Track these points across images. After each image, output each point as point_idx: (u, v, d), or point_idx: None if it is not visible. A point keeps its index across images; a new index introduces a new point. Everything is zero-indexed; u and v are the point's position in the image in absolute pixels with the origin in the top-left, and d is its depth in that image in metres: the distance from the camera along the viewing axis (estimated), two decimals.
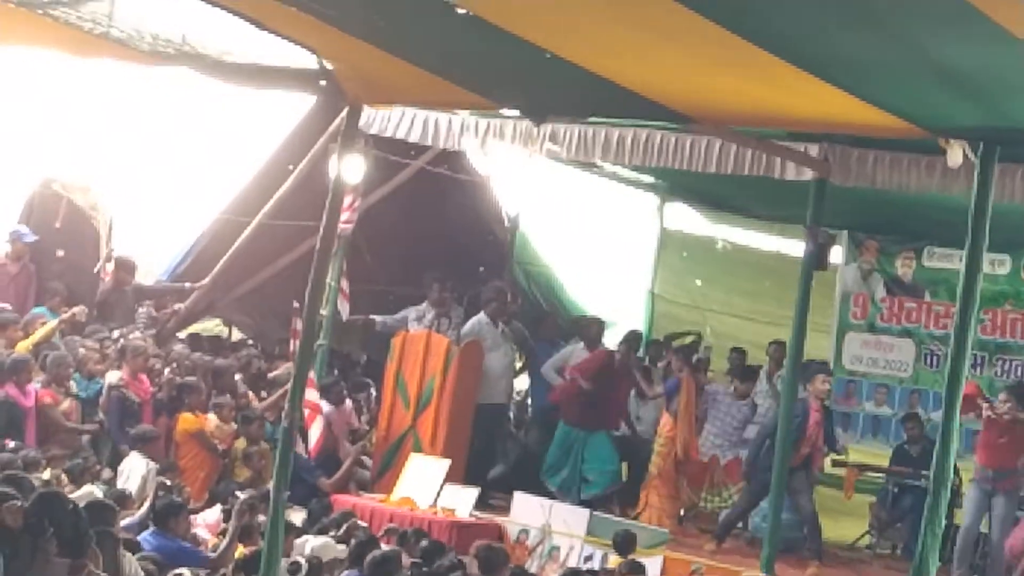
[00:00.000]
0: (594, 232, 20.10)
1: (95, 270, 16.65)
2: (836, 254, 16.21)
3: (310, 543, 11.22)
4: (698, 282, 19.59)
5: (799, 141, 12.69)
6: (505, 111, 12.88)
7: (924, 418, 16.02)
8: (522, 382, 17.83)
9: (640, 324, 18.91)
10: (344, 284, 15.83)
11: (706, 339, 17.58)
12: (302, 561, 10.35)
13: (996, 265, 16.11)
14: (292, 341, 14.77)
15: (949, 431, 8.70)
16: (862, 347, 17.29)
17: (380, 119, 14.37)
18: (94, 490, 12.01)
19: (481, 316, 15.90)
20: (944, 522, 8.70)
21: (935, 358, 16.65)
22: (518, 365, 17.26)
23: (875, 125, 9.43)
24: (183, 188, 20.63)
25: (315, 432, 14.62)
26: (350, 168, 11.08)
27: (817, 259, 13.00)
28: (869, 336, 17.23)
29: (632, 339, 16.04)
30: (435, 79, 9.75)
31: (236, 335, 19.46)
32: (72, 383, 14.33)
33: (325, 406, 15.14)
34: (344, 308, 15.87)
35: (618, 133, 13.44)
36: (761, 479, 13.64)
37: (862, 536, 15.73)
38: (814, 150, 12.75)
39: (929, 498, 8.58)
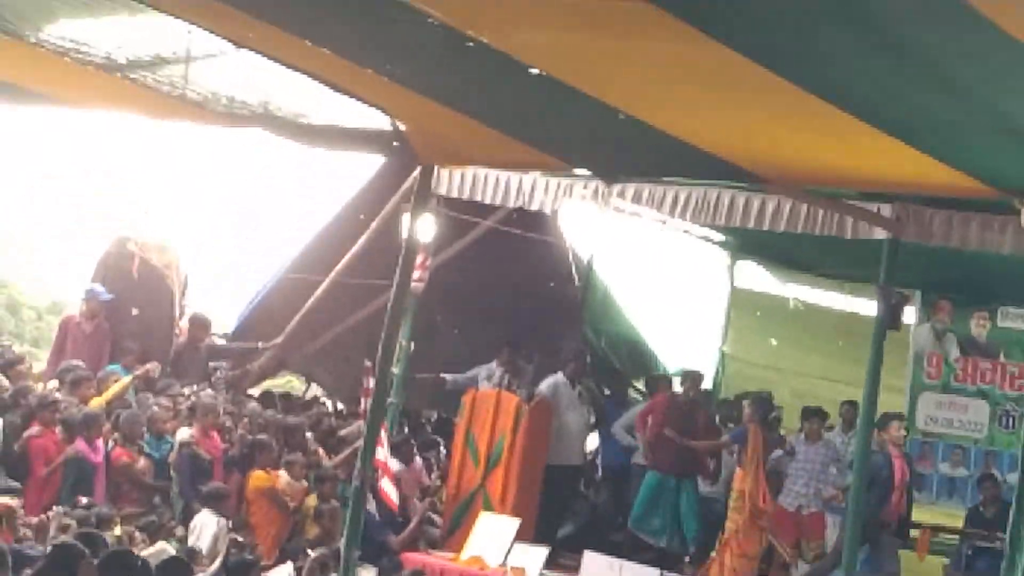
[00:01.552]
0: (664, 290, 20.07)
1: (170, 328, 16.81)
2: (909, 314, 16.10)
3: None
4: (773, 341, 19.49)
5: (872, 201, 12.63)
6: (577, 171, 12.89)
7: (1000, 479, 15.83)
8: (592, 441, 17.76)
9: (710, 383, 18.83)
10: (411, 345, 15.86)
11: (778, 400, 17.43)
12: None
13: None
14: (363, 399, 14.80)
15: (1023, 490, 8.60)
16: (937, 408, 17.13)
17: (452, 178, 14.42)
18: (167, 547, 12.07)
19: (559, 376, 15.87)
20: None
21: (1010, 419, 16.48)
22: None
23: (948, 185, 9.40)
24: (256, 247, 20.81)
25: (389, 487, 14.59)
26: (422, 227, 11.15)
27: (890, 319, 12.89)
28: (943, 396, 17.08)
29: (692, 376, 15.95)
30: (507, 139, 9.81)
31: (310, 392, 19.54)
32: (143, 442, 14.44)
33: (395, 464, 15.15)
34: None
35: (688, 192, 13.41)
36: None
37: None
38: (887, 210, 12.66)
39: (1005, 561, 8.47)
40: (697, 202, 13.48)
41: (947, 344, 17.13)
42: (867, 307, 16.02)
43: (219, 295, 19.29)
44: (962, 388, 17.01)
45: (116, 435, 14.27)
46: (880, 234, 12.86)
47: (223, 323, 18.32)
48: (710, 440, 15.64)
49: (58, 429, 13.75)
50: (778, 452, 15.58)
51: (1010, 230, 11.69)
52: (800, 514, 15.29)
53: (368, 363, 13.54)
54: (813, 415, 15.68)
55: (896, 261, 12.95)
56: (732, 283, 19.43)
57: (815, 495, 15.37)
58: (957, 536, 15.72)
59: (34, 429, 13.71)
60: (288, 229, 20.18)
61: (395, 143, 10.49)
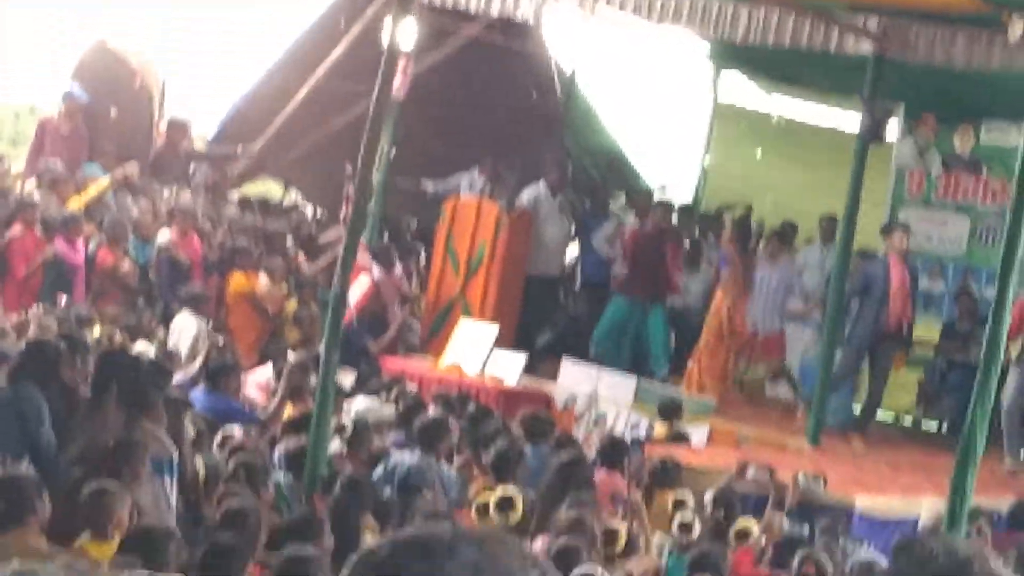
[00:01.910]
0: (647, 103, 19.95)
1: (149, 130, 16.70)
2: (893, 130, 16.03)
3: (357, 405, 11.31)
4: (758, 153, 19.43)
5: (858, 13, 12.51)
6: None
7: (976, 295, 15.90)
8: (572, 252, 17.79)
9: (691, 198, 18.83)
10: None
11: (759, 214, 17.43)
12: (348, 422, 10.42)
13: None
14: (344, 206, 14.78)
15: (1002, 309, 8.59)
16: (916, 223, 17.13)
17: None
18: (147, 347, 12.13)
19: (540, 186, 15.82)
20: (993, 400, 8.62)
21: (990, 234, 16.48)
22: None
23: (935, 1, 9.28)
24: (234, 52, 20.56)
25: (356, 291, 14.44)
26: (403, 34, 10.98)
27: (873, 132, 12.91)
28: (924, 211, 17.07)
29: (662, 205, 15.91)
30: None
31: (288, 198, 19.50)
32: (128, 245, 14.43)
33: (376, 271, 15.18)
34: None
35: (675, 0, 13.29)
36: (855, 345, 13.66)
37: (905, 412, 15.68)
38: (873, 23, 12.57)
39: (980, 375, 8.49)
40: (683, 11, 13.36)
41: (930, 160, 17.06)
42: (851, 122, 15.96)
43: (198, 101, 19.05)
44: (943, 203, 16.99)
45: (101, 237, 14.24)
46: (866, 48, 12.79)
47: (202, 130, 18.17)
48: (678, 268, 15.68)
49: (38, 230, 13.73)
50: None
51: (997, 45, 11.61)
52: (755, 335, 15.38)
53: (350, 169, 13.48)
54: (776, 234, 15.68)
55: (881, 76, 12.91)
56: (715, 96, 19.30)
57: (772, 316, 15.41)
58: (932, 350, 15.87)
59: (14, 229, 13.68)
60: (269, 35, 19.88)
61: None
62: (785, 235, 15.80)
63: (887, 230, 14.15)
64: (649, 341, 15.28)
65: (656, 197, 16.84)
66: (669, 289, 15.53)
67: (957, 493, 8.00)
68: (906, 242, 14.28)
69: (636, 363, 15.19)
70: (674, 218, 16.43)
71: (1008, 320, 8.72)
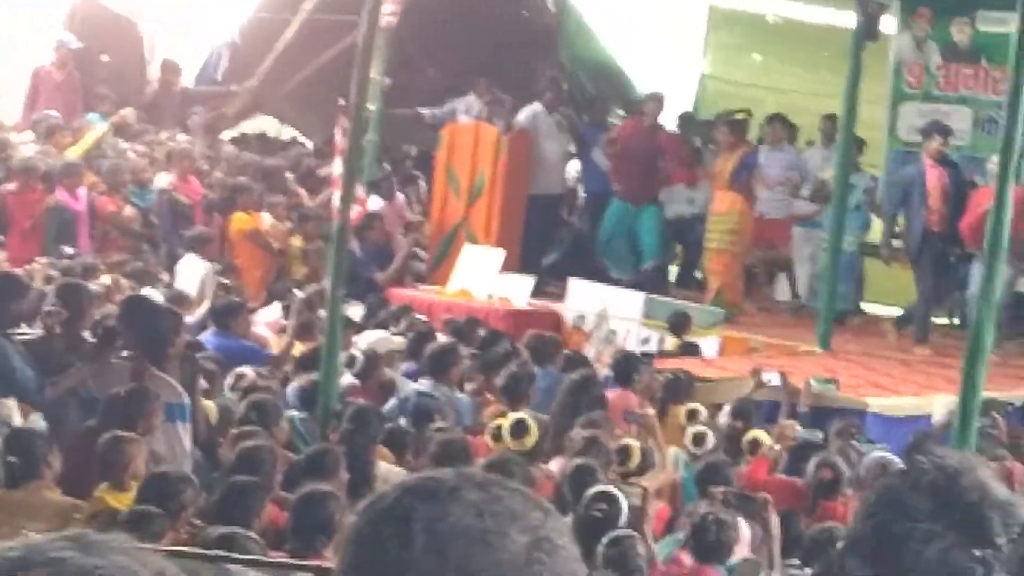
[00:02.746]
0: (641, 13, 19.80)
1: (142, 74, 16.64)
2: (890, 25, 15.91)
3: (366, 337, 11.32)
4: (757, 57, 19.30)
5: None
6: None
7: (982, 184, 15.80)
8: (573, 168, 17.74)
9: (691, 106, 18.75)
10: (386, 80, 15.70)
11: (759, 118, 17.34)
12: (358, 355, 10.43)
13: None
14: (338, 138, 14.69)
15: (1003, 198, 8.53)
16: (919, 117, 17.00)
17: None
18: (154, 293, 12.11)
19: (536, 106, 15.71)
20: (997, 291, 8.54)
21: (993, 124, 16.37)
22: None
23: None
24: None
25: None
26: None
27: (867, 29, 12.83)
28: (925, 105, 16.94)
29: (654, 98, 15.81)
30: None
31: (287, 134, 19.45)
32: (127, 191, 14.39)
33: (376, 201, 15.15)
34: None
35: None
36: (924, 262, 13.60)
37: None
38: None
39: (984, 267, 8.45)
40: None
41: (928, 52, 16.93)
42: (848, 19, 15.84)
43: (187, 43, 18.95)
44: (944, 96, 16.87)
45: (100, 185, 14.20)
46: None
47: (193, 70, 18.09)
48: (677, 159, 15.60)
49: (37, 182, 13.68)
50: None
51: None
52: (762, 221, 15.32)
53: (342, 102, 13.40)
54: (773, 120, 15.62)
55: None
56: (710, 1, 19.16)
57: (779, 202, 15.38)
58: None
59: (13, 184, 13.63)
60: None
61: None
62: (782, 122, 15.69)
63: (926, 132, 14.01)
64: (641, 237, 15.29)
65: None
66: (665, 183, 15.49)
67: (967, 388, 7.99)
68: (945, 148, 14.08)
69: (633, 262, 15.26)
70: (671, 122, 16.33)
71: (1010, 209, 8.63)
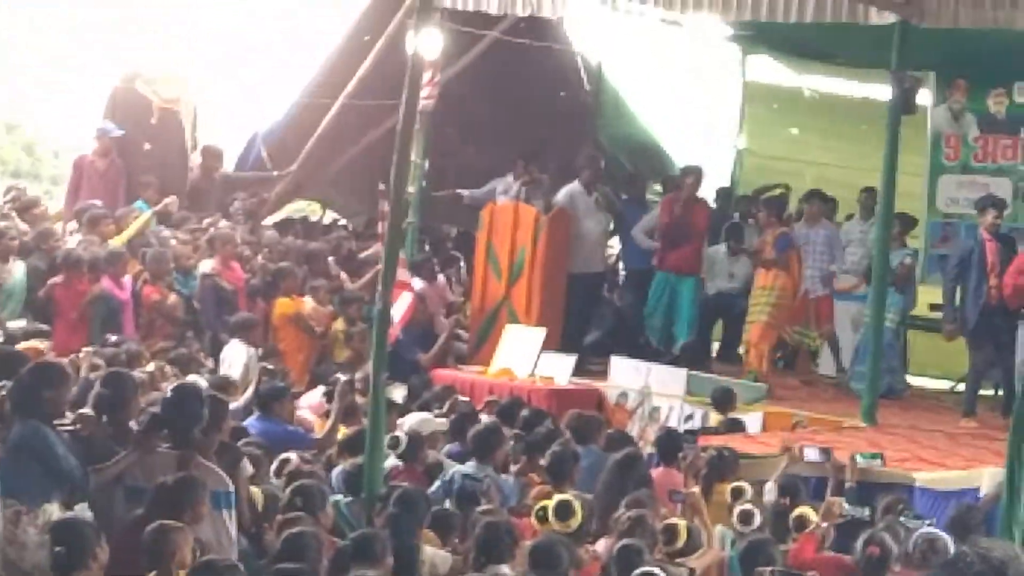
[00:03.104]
0: (677, 90, 19.92)
1: (184, 161, 16.79)
2: (925, 97, 15.95)
3: (409, 419, 11.33)
4: (794, 131, 19.36)
5: None
6: None
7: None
8: (613, 246, 17.79)
9: (728, 181, 18.81)
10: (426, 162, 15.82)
11: (798, 192, 17.36)
12: (402, 437, 10.44)
13: None
14: (380, 223, 14.80)
15: None
16: (957, 188, 17.03)
17: None
18: (199, 379, 12.16)
19: (575, 185, 15.77)
20: None
21: None
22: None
23: None
24: (264, 77, 20.71)
25: (399, 307, 14.39)
26: (427, 43, 10.98)
27: (904, 103, 12.88)
28: (964, 177, 16.97)
29: (691, 171, 15.83)
30: None
31: (328, 217, 19.58)
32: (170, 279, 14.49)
33: (417, 283, 15.21)
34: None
35: None
36: (981, 336, 13.61)
37: (959, 381, 15.55)
38: None
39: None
40: None
41: (965, 124, 16.97)
42: (885, 92, 15.88)
43: (230, 128, 19.17)
44: (982, 167, 16.89)
45: (144, 273, 14.31)
46: (890, 18, 12.74)
47: (235, 154, 18.26)
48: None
49: (83, 272, 13.78)
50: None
51: (1021, 5, 11.54)
52: (807, 299, 15.33)
53: (382, 186, 13.52)
54: (811, 197, 15.65)
55: (908, 44, 12.87)
56: (744, 77, 19.24)
57: (821, 279, 15.38)
58: None
59: (59, 278, 13.74)
60: (296, 57, 20.02)
61: None
62: (820, 199, 15.70)
63: (980, 205, 14.02)
64: (678, 311, 15.31)
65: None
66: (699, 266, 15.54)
67: (1014, 462, 7.93)
68: (1000, 221, 14.06)
69: (671, 335, 15.28)
70: (711, 196, 16.35)
71: None
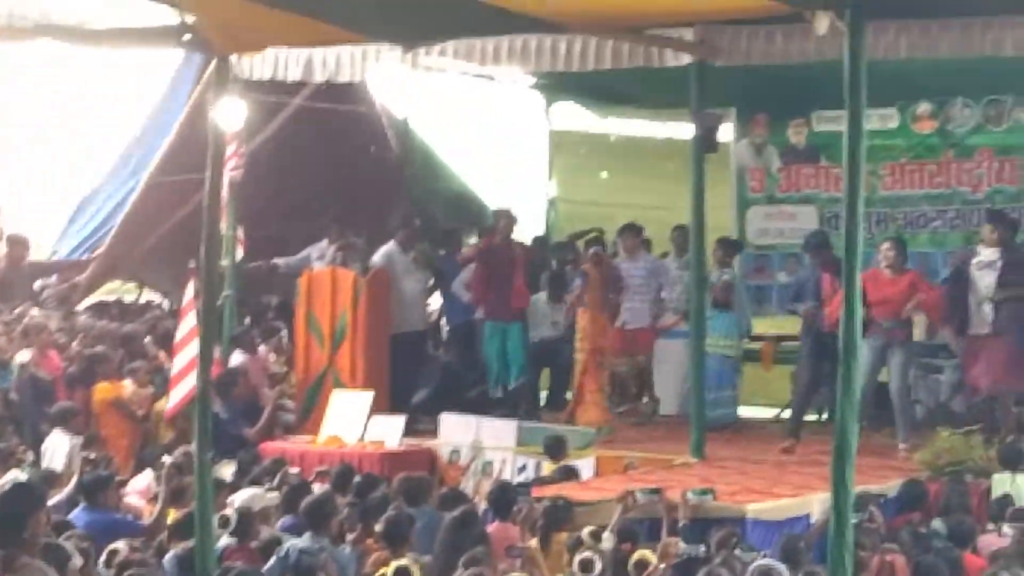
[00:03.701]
0: (485, 142, 20.06)
1: None
2: (728, 132, 16.26)
3: (240, 495, 11.16)
4: (603, 175, 19.60)
5: (674, 27, 12.67)
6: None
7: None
8: (435, 303, 17.80)
9: (543, 229, 18.96)
10: (239, 232, 15.67)
11: (611, 235, 17.55)
12: (232, 515, 10.28)
13: (886, 120, 16.30)
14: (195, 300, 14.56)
15: (852, 291, 8.53)
16: (765, 219, 17.42)
17: (253, 61, 14.21)
18: (19, 474, 11.86)
19: (391, 245, 15.76)
20: (856, 386, 8.53)
21: (838, 220, 16.70)
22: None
23: (740, 7, 9.43)
24: (66, 161, 20.40)
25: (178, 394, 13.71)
26: (227, 114, 10.92)
27: (706, 142, 13.09)
28: (771, 208, 17.37)
29: (502, 215, 15.92)
30: (300, 19, 9.61)
31: (143, 297, 19.28)
32: None
33: (238, 356, 15.05)
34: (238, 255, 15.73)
35: (497, 41, 13.41)
36: (810, 359, 13.98)
37: (784, 407, 15.79)
38: (689, 34, 12.77)
39: (840, 365, 8.41)
40: (506, 50, 13.50)
41: (767, 156, 17.38)
42: (688, 131, 16.15)
43: (33, 214, 18.82)
44: (787, 197, 17.30)
45: None
46: (686, 59, 12.98)
47: (42, 239, 17.93)
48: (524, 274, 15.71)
49: None
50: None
51: (812, 37, 11.78)
52: (625, 330, 15.45)
53: (192, 264, 13.32)
54: (625, 230, 15.81)
55: (706, 84, 13.11)
56: (550, 126, 19.45)
57: (642, 311, 15.53)
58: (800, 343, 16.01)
59: None
60: (102, 136, 19.75)
61: (186, 36, 10.18)
62: (632, 231, 15.84)
63: (808, 250, 14.75)
64: (509, 354, 15.37)
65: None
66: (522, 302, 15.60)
67: (838, 487, 8.03)
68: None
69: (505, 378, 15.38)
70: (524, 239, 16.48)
71: (860, 303, 8.60)
